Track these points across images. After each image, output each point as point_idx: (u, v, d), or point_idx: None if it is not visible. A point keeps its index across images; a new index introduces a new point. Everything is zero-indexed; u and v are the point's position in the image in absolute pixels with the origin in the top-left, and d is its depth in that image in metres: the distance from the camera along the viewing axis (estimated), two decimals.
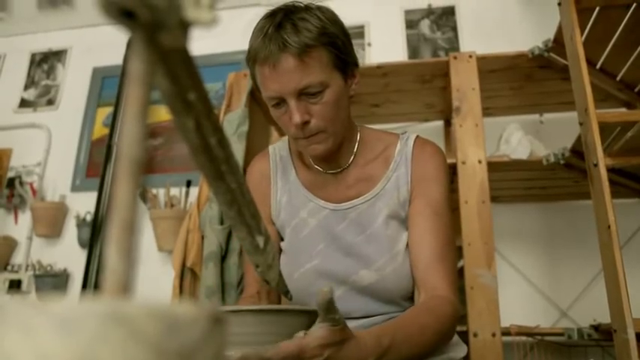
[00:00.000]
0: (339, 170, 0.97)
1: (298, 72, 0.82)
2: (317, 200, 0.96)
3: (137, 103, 0.21)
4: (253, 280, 0.97)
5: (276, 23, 0.83)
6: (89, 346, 0.15)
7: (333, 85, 0.86)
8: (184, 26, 0.25)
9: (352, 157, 0.97)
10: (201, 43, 2.52)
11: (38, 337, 0.15)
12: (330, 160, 0.97)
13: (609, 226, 1.24)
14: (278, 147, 1.02)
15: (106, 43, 2.49)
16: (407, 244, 0.91)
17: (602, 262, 1.30)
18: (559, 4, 1.47)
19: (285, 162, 1.00)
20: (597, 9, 1.46)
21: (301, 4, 0.88)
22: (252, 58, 0.88)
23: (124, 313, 0.16)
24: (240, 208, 0.35)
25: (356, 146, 0.98)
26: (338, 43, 0.87)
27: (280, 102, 0.86)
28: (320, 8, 0.87)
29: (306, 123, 0.85)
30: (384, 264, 0.89)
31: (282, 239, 1.00)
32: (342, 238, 0.92)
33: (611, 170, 1.41)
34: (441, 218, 0.90)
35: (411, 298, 0.92)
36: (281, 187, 0.98)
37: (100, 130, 2.63)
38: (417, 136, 0.99)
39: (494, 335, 1.48)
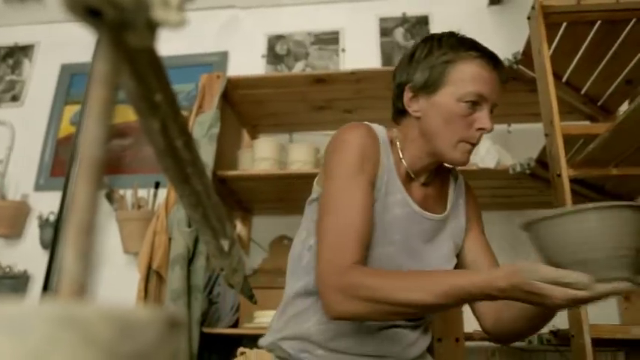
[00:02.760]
0: (422, 183, 1.02)
1: (498, 92, 0.96)
2: (405, 194, 0.97)
3: (100, 104, 0.21)
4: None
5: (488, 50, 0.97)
6: (38, 349, 0.15)
7: None
8: (152, 27, 0.25)
9: (430, 177, 1.04)
10: (174, 44, 2.50)
11: None
12: (425, 171, 1.01)
13: None
14: (378, 130, 0.99)
15: (76, 40, 2.43)
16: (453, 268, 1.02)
17: None
18: (528, 18, 1.51)
19: (387, 147, 0.98)
20: (564, 24, 1.50)
21: None
22: (466, 52, 0.94)
23: (76, 316, 0.16)
24: (206, 211, 0.35)
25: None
26: None
27: (476, 103, 0.93)
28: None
29: (483, 131, 0.94)
30: None
31: None
32: (414, 239, 0.98)
33: (573, 181, 1.45)
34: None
35: (427, 317, 1.02)
36: (383, 164, 0.96)
37: (66, 129, 2.57)
38: (463, 179, 1.14)
39: (457, 340, 1.50)
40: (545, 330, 1.63)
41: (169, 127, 0.29)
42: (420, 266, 0.96)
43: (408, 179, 1.00)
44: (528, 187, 1.86)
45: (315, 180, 1.01)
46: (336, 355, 0.93)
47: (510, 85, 1.89)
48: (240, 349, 1.00)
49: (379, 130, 0.99)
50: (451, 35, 0.98)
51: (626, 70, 1.69)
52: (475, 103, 0.93)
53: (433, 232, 1.00)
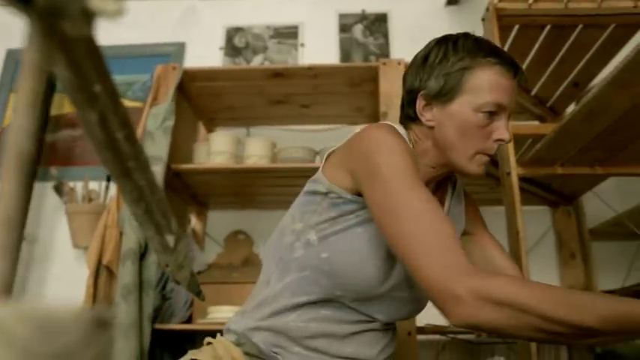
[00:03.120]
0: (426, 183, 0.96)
1: (514, 99, 0.91)
2: None
3: (29, 95, 0.20)
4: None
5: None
6: None
7: None
8: (88, 15, 0.24)
9: (433, 185, 1.01)
10: (129, 33, 2.43)
11: None
12: (436, 175, 0.97)
13: (518, 232, 1.32)
14: (402, 133, 0.94)
15: (23, 25, 2.33)
16: None
17: None
18: (483, 19, 1.55)
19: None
20: (517, 27, 1.55)
21: None
22: (492, 53, 0.89)
23: None
24: (149, 206, 0.34)
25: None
26: None
27: (494, 113, 0.88)
28: None
29: (501, 142, 0.90)
30: None
31: None
32: None
33: (522, 179, 1.50)
34: None
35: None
36: None
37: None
38: (460, 183, 1.11)
39: (410, 334, 1.53)
40: None
41: (109, 119, 0.28)
42: None
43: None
44: (479, 185, 1.91)
45: (317, 176, 0.95)
46: (312, 354, 0.91)
47: None
48: (207, 339, 0.97)
49: (404, 133, 0.95)
50: (467, 37, 0.92)
51: (573, 74, 1.76)
52: (493, 113, 0.88)
53: None
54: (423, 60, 0.94)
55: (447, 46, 0.91)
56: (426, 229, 0.75)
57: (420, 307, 1.01)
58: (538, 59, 1.70)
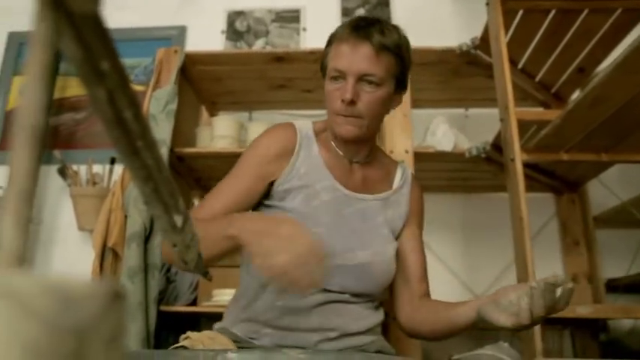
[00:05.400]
0: (355, 161, 1.07)
1: (369, 60, 0.96)
2: (333, 180, 1.03)
3: (39, 68, 0.20)
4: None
5: (369, 22, 0.98)
6: None
7: (387, 87, 0.99)
8: None
9: (368, 158, 1.09)
10: (131, 16, 2.41)
11: None
12: (351, 149, 1.05)
13: (522, 218, 1.32)
14: (302, 126, 1.07)
15: (24, 7, 2.31)
16: (394, 251, 1.05)
17: (514, 251, 1.39)
18: (487, 3, 1.53)
19: (310, 141, 1.06)
20: (521, 12, 1.53)
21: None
22: (335, 36, 1.01)
23: (15, 287, 0.16)
24: (157, 186, 0.34)
25: (372, 151, 1.10)
26: (405, 62, 1.02)
27: (339, 77, 0.97)
28: (404, 33, 1.03)
29: (352, 103, 0.96)
30: (379, 252, 1.01)
31: (269, 198, 1.05)
32: (347, 219, 1.02)
33: (526, 165, 1.49)
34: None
35: (380, 291, 1.05)
36: (302, 158, 1.03)
37: (16, 100, 2.45)
38: (412, 173, 1.17)
39: None
40: None
41: (117, 97, 0.28)
42: (358, 244, 1.00)
43: (342, 164, 1.06)
44: (484, 171, 1.90)
45: None
46: (282, 333, 0.96)
47: (468, 69, 1.92)
48: (186, 334, 1.00)
49: (302, 126, 1.07)
50: (342, 23, 1.03)
51: (578, 59, 1.74)
52: (337, 78, 0.98)
53: (372, 212, 1.05)
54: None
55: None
56: (210, 196, 1.00)
57: (372, 276, 1.01)
58: (543, 44, 1.68)
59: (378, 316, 1.04)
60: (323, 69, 1.04)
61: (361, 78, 0.96)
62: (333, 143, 1.07)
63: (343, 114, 0.98)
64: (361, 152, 1.07)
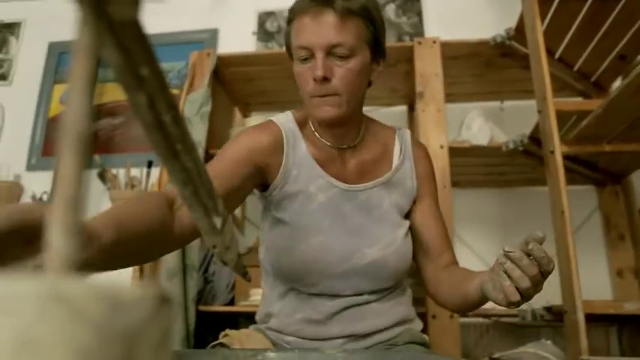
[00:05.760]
0: (345, 147, 0.98)
1: (335, 29, 0.85)
2: (328, 177, 0.95)
3: (83, 76, 0.20)
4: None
5: None
6: (27, 327, 0.15)
7: (361, 56, 0.89)
8: None
9: (358, 139, 0.99)
10: (163, 21, 2.46)
11: None
12: (337, 133, 0.96)
13: (563, 212, 1.28)
14: (283, 120, 0.97)
15: (63, 17, 2.39)
16: (407, 231, 0.98)
17: (555, 246, 1.35)
18: None
19: (295, 135, 0.96)
20: (557, 0, 1.49)
21: None
22: (294, 10, 0.90)
23: (66, 292, 0.16)
24: (196, 189, 0.34)
25: (362, 129, 1.00)
26: (376, 24, 0.91)
27: (308, 57, 0.88)
28: None
29: (326, 80, 0.87)
30: (388, 243, 0.94)
31: (269, 209, 0.98)
32: (349, 217, 0.95)
33: (566, 157, 1.45)
34: (439, 206, 1.04)
35: (401, 278, 0.99)
36: (292, 159, 0.94)
37: (57, 108, 2.54)
38: (411, 134, 1.06)
39: (452, 317, 1.52)
40: (538, 306, 1.65)
41: (157, 101, 0.28)
42: (365, 241, 0.94)
43: (333, 156, 0.97)
44: (521, 164, 1.86)
45: None
46: (306, 341, 0.94)
47: (503, 61, 1.88)
48: (225, 332, 1.00)
49: (283, 119, 0.97)
50: None
51: (619, 46, 1.68)
52: (307, 58, 0.88)
53: (375, 199, 0.97)
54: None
55: None
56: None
57: (386, 271, 0.95)
58: (580, 32, 1.63)
59: (403, 305, 0.99)
60: (288, 49, 0.94)
61: (330, 51, 0.86)
62: (316, 134, 0.97)
63: (318, 94, 0.88)
64: (349, 135, 0.97)
